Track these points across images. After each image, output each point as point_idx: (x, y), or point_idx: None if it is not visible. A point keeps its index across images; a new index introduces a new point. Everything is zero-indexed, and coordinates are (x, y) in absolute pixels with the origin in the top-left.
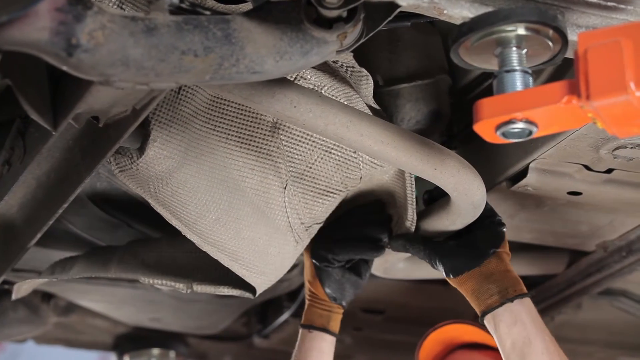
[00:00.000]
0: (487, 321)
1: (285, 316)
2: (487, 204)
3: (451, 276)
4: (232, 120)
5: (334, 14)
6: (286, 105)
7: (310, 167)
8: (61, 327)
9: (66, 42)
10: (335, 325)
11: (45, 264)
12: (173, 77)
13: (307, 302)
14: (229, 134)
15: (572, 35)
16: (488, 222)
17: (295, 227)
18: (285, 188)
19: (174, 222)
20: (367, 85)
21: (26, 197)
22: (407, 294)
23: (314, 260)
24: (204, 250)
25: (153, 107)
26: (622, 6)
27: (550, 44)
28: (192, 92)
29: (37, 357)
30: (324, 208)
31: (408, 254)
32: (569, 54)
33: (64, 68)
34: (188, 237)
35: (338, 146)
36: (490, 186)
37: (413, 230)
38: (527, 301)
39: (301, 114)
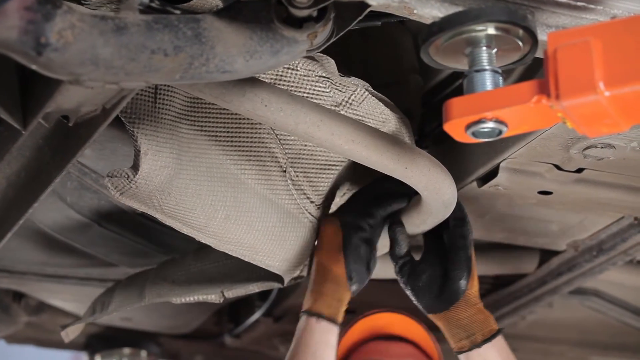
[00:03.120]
0: (461, 358)
1: (256, 315)
2: (458, 203)
3: (425, 312)
4: (216, 118)
5: (304, 13)
6: (257, 104)
7: (306, 145)
8: (32, 326)
9: (35, 41)
10: (342, 317)
11: (15, 263)
12: (143, 76)
13: (313, 286)
14: (217, 132)
15: (542, 35)
16: (458, 235)
17: (306, 207)
18: (285, 171)
19: (185, 231)
20: (329, 63)
21: None
22: (378, 293)
23: (344, 231)
24: (223, 250)
25: (123, 106)
26: (592, 6)
27: (520, 43)
28: (169, 97)
29: (8, 356)
30: (329, 182)
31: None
32: (539, 54)
33: (33, 67)
34: (204, 241)
35: None
36: (461, 185)
37: None
38: (497, 341)
39: (272, 113)
